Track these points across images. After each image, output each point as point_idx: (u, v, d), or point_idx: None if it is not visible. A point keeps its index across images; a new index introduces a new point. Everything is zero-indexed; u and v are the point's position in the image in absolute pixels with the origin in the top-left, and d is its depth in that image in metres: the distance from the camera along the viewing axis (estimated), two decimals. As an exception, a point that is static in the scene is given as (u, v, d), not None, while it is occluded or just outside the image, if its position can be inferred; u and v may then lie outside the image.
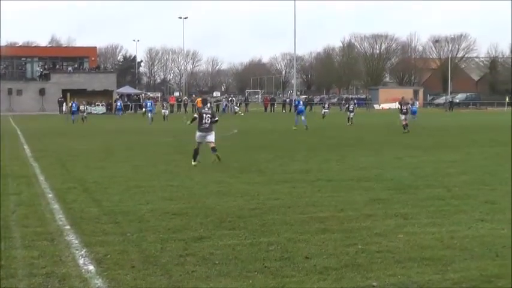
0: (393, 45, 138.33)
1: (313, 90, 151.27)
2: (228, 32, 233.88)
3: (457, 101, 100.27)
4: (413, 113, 46.36)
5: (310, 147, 25.61)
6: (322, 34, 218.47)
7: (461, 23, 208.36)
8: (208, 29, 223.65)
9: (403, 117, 36.95)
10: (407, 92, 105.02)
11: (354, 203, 12.49)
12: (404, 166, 18.90)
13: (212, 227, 10.19)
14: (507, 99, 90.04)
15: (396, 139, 31.04)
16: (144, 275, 7.65)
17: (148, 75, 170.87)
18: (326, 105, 62.12)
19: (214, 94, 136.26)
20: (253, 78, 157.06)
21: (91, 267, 7.97)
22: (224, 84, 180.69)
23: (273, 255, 8.56)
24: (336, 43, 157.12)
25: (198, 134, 19.64)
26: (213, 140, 19.58)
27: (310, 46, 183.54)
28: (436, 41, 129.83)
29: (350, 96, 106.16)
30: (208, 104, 21.25)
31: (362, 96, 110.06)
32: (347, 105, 52.53)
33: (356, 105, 55.28)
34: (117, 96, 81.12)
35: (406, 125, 36.33)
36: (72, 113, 53.09)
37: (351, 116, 46.54)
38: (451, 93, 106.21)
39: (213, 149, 19.36)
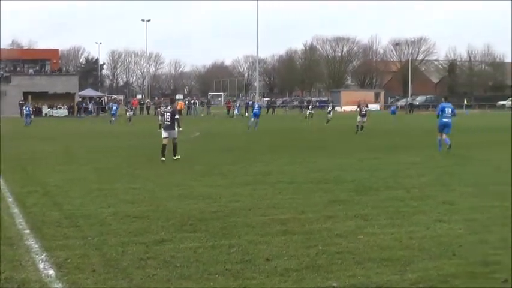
0: (355, 48, 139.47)
1: (276, 92, 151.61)
2: (191, 35, 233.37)
3: (417, 103, 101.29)
4: (393, 113, 47.08)
5: (272, 150, 25.67)
6: (285, 37, 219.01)
7: (421, 26, 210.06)
8: (171, 32, 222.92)
9: (359, 119, 38.10)
10: (368, 95, 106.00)
11: (315, 204, 12.54)
12: (364, 168, 19.02)
13: (173, 230, 10.16)
14: (465, 101, 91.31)
15: (357, 141, 31.27)
16: (105, 279, 7.60)
17: (110, 77, 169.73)
18: (310, 107, 62.75)
19: (177, 97, 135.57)
20: (216, 80, 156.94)
21: (51, 272, 7.89)
22: (187, 87, 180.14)
23: (234, 257, 8.56)
24: (298, 46, 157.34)
25: (162, 132, 21.22)
26: (175, 136, 21.25)
27: (273, 49, 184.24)
28: (397, 44, 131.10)
29: (310, 98, 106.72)
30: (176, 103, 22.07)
31: (324, 99, 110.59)
32: (329, 108, 55.15)
33: (331, 108, 55.40)
34: (85, 99, 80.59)
35: (362, 127, 37.41)
36: (26, 116, 52.84)
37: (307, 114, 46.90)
38: (411, 95, 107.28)
39: (175, 147, 21.10)
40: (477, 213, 11.56)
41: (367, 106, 41.16)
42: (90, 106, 63.61)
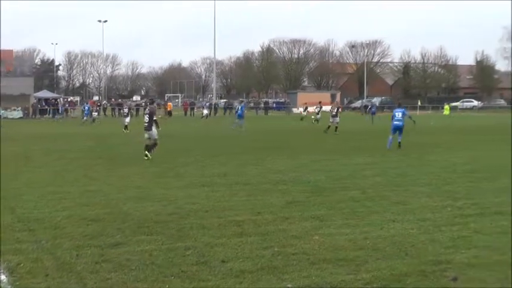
0: (311, 50, 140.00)
1: (233, 94, 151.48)
2: (148, 36, 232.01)
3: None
4: (373, 113, 47.67)
5: (229, 151, 25.62)
6: (242, 39, 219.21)
7: (377, 29, 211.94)
8: (128, 33, 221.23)
9: (331, 119, 39.23)
10: (325, 96, 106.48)
11: (271, 206, 12.55)
12: (321, 169, 19.09)
13: (129, 233, 10.06)
14: (419, 102, 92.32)
15: (314, 142, 31.39)
16: (58, 283, 7.49)
17: (66, 79, 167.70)
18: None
19: (134, 98, 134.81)
20: (173, 82, 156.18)
21: (3, 277, 7.75)
22: (144, 88, 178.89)
23: (189, 259, 8.52)
24: (256, 48, 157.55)
25: (144, 133, 22.20)
26: (154, 137, 21.96)
27: (230, 50, 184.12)
28: (353, 46, 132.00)
29: (267, 99, 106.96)
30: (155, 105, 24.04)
31: (281, 100, 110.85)
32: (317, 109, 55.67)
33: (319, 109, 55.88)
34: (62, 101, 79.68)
35: (336, 128, 38.40)
36: None
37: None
38: (367, 97, 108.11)
39: (152, 147, 21.85)
40: (429, 213, 11.71)
41: (339, 107, 42.37)
42: (61, 108, 62.96)
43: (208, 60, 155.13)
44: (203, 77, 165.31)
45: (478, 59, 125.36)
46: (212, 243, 9.38)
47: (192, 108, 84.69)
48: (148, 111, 22.57)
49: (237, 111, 48.02)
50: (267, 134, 39.60)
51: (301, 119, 60.22)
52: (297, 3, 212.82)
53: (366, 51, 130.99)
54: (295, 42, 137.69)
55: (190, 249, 9.04)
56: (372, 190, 14.51)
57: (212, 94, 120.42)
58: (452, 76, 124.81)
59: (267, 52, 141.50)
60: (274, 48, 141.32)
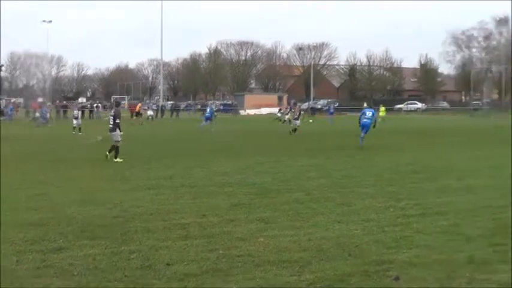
0: (259, 52, 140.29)
1: (180, 96, 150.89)
2: (94, 37, 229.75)
3: (319, 106, 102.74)
4: (331, 114, 48.07)
5: (176, 154, 25.49)
6: (189, 40, 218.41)
7: (323, 31, 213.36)
8: (74, 34, 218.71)
9: (293, 121, 40.81)
10: (272, 98, 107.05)
11: (217, 208, 12.53)
12: (266, 171, 19.14)
13: (72, 237, 9.92)
14: (365, 104, 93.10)
15: (260, 144, 31.46)
16: (-2, 289, 7.37)
17: (9, 80, 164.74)
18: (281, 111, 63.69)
19: (80, 100, 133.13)
20: (120, 84, 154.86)
21: None
22: (90, 90, 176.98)
23: (134, 263, 8.46)
24: (203, 49, 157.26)
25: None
26: (117, 139, 22.18)
27: (177, 52, 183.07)
28: (300, 49, 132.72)
29: (214, 101, 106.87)
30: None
31: (228, 102, 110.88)
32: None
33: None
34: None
35: (295, 129, 39.58)
36: None
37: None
38: (313, 99, 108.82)
39: (112, 149, 22.05)
40: (373, 213, 11.85)
41: (301, 110, 43.97)
42: (45, 110, 62.02)
43: (155, 62, 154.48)
44: (150, 78, 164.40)
45: (422, 62, 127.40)
46: (157, 247, 9.33)
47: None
48: (112, 114, 22.86)
49: (206, 113, 48.78)
50: (214, 136, 39.52)
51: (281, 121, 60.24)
52: (244, 4, 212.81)
53: (313, 53, 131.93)
54: (242, 44, 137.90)
55: (135, 252, 8.98)
56: (317, 192, 14.60)
57: (159, 96, 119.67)
58: (397, 78, 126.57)
59: (214, 54, 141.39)
60: (222, 50, 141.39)
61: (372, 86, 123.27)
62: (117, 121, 22.58)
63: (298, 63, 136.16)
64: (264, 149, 27.85)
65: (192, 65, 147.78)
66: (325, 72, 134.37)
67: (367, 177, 17.49)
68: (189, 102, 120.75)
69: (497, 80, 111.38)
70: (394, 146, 29.46)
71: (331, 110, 66.79)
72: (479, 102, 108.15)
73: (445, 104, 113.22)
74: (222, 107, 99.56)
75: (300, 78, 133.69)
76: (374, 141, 31.82)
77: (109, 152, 22.21)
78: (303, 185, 15.88)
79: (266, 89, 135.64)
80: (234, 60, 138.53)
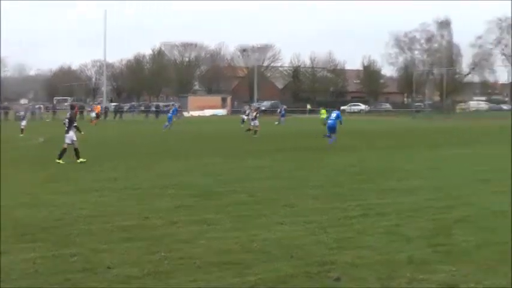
0: (202, 53, 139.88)
1: (124, 97, 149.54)
2: (37, 38, 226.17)
3: (263, 108, 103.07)
4: (282, 115, 48.57)
5: (120, 156, 25.29)
6: (133, 42, 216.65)
7: (267, 33, 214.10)
8: (15, 35, 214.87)
9: (252, 123, 41.90)
10: (216, 100, 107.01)
11: (160, 210, 12.48)
12: (210, 172, 19.15)
13: (13, 241, 9.76)
14: (308, 106, 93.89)
15: (205, 146, 31.43)
16: None
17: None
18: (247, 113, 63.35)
19: (22, 101, 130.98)
20: (63, 85, 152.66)
21: None
22: (32, 91, 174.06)
23: (75, 266, 8.36)
24: (147, 51, 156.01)
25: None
26: (68, 142, 22.41)
27: (121, 53, 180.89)
28: (244, 50, 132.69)
29: (158, 103, 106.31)
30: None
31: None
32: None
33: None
34: None
35: (256, 131, 40.21)
36: None
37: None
38: (257, 100, 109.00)
39: (75, 151, 22.32)
40: (316, 215, 11.92)
41: (258, 111, 44.73)
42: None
43: (98, 63, 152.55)
44: (93, 79, 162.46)
45: (365, 64, 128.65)
46: (99, 249, 9.24)
47: (82, 112, 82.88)
48: (68, 116, 23.15)
49: (168, 114, 52.33)
50: (160, 138, 39.31)
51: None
52: (188, 5, 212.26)
53: (257, 55, 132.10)
54: (186, 46, 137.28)
55: (76, 255, 8.87)
56: (261, 193, 14.66)
57: (102, 97, 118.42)
58: (340, 80, 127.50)
59: (158, 55, 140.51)
60: (166, 51, 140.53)
61: (315, 88, 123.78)
62: (75, 124, 22.94)
63: (242, 65, 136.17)
64: (210, 151, 27.82)
65: (135, 66, 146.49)
66: (269, 74, 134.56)
67: (311, 178, 17.63)
68: (133, 103, 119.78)
69: (438, 82, 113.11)
70: (339, 148, 29.69)
71: (283, 112, 67.53)
72: (421, 104, 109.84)
73: (387, 106, 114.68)
74: (166, 109, 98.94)
75: (243, 80, 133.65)
76: (318, 142, 32.12)
77: (78, 159, 22.27)
78: (247, 186, 15.91)
79: (210, 90, 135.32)
80: (177, 62, 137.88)
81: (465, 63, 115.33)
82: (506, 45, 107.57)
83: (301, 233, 10.31)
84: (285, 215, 11.96)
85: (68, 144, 22.51)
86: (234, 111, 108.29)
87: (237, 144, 32.28)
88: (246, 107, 64.11)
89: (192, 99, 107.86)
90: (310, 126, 55.13)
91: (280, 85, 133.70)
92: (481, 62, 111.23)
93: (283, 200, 13.75)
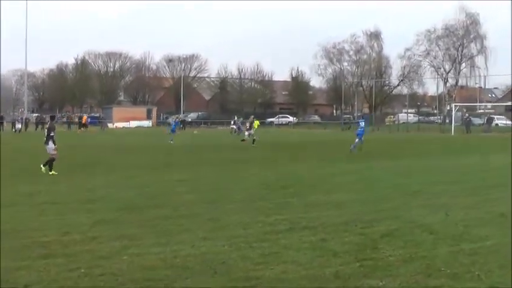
0: (127, 63, 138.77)
1: (46, 108, 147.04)
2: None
3: (189, 119, 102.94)
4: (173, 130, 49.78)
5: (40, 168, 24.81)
6: (55, 50, 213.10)
7: (194, 43, 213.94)
8: None
9: (246, 133, 46.14)
10: (141, 111, 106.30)
11: (80, 225, 12.28)
12: (133, 186, 18.98)
13: None
14: (235, 118, 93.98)
15: (128, 158, 31.15)
16: None
17: None
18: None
19: None
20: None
21: None
22: None
23: (-12, 286, 8.15)
24: (70, 60, 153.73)
25: None
26: (49, 152, 23.01)
27: (43, 62, 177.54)
28: (170, 60, 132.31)
29: (81, 114, 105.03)
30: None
31: (96, 115, 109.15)
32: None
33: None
34: None
35: (254, 140, 44.22)
36: None
37: None
38: (183, 112, 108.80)
39: (47, 162, 22.86)
40: (241, 229, 11.93)
41: (253, 121, 48.40)
42: None
43: (19, 73, 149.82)
44: (14, 89, 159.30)
45: (294, 75, 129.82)
46: (15, 267, 9.01)
47: (1, 123, 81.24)
48: (47, 127, 23.80)
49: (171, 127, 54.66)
50: (83, 149, 38.79)
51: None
52: (113, 14, 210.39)
53: (183, 65, 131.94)
54: (110, 55, 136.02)
55: (-10, 274, 8.65)
56: (185, 207, 14.59)
57: (23, 108, 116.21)
58: (268, 91, 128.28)
59: (82, 65, 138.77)
60: (89, 60, 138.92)
61: (243, 99, 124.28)
62: (51, 134, 23.32)
63: (168, 75, 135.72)
64: (134, 163, 27.57)
65: (58, 76, 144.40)
66: (195, 85, 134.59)
67: (236, 191, 17.64)
68: (56, 114, 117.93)
69: (367, 94, 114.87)
70: (265, 160, 29.85)
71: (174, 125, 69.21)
72: (350, 116, 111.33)
73: (316, 118, 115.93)
74: (89, 120, 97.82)
75: (169, 91, 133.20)
76: (245, 155, 32.23)
77: (43, 166, 22.89)
78: (170, 200, 15.82)
79: (135, 101, 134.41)
80: (102, 72, 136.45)
81: (394, 75, 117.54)
82: (435, 57, 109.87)
83: (225, 248, 10.29)
84: (209, 229, 11.91)
85: (53, 154, 23.10)
86: (160, 123, 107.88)
87: (161, 157, 32.10)
88: (235, 118, 65.30)
89: (116, 111, 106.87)
90: (236, 138, 55.23)
91: (207, 96, 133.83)
92: (410, 73, 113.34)
93: (207, 214, 13.71)
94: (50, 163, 22.93)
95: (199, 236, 11.30)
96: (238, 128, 51.44)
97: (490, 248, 10.46)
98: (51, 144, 23.21)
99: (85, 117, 74.50)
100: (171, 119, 61.27)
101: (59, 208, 14.51)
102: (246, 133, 46.49)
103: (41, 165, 22.98)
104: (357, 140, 37.18)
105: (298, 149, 41.61)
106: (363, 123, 39.80)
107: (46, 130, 23.78)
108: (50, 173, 22.49)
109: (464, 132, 71.81)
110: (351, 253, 10.04)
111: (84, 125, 70.47)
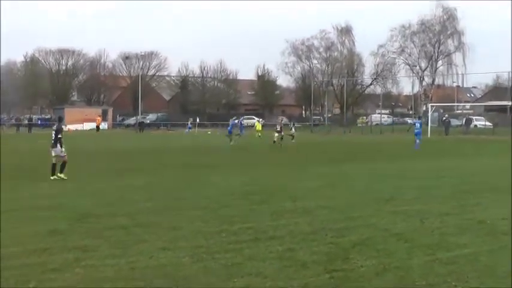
0: (81, 61, 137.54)
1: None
2: None
3: (148, 121, 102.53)
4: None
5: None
6: (3, 47, 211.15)
7: (153, 40, 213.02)
8: None
9: (276, 135, 50.31)
10: (96, 112, 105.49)
11: (31, 236, 12.21)
12: (88, 193, 18.89)
13: None
14: (198, 120, 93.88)
15: (82, 164, 30.93)
16: None
17: None
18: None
19: None
20: None
21: None
22: None
23: None
24: (18, 57, 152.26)
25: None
26: (56, 154, 23.19)
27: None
28: (127, 58, 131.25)
29: (31, 115, 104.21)
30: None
31: (47, 117, 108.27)
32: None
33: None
34: None
35: (282, 137, 50.01)
36: None
37: None
38: (141, 113, 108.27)
39: (62, 166, 23.20)
40: (203, 239, 11.94)
41: (282, 122, 54.11)
42: None
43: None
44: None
45: (260, 74, 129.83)
46: (-42, 282, 8.98)
47: None
48: (55, 129, 23.87)
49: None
50: (35, 154, 38.45)
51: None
52: (65, 8, 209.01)
53: (141, 63, 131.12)
54: (62, 52, 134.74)
55: None
56: (143, 215, 14.57)
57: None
58: (233, 91, 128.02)
59: (31, 63, 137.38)
60: (40, 58, 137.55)
61: (206, 99, 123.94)
62: (60, 136, 23.50)
63: (125, 74, 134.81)
64: (88, 169, 27.37)
65: (6, 74, 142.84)
66: (154, 84, 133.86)
67: (198, 198, 17.64)
68: (3, 116, 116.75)
69: (338, 93, 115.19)
70: (230, 165, 29.87)
71: (190, 125, 71.13)
72: (320, 117, 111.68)
73: (284, 120, 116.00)
74: (39, 122, 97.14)
75: (127, 90, 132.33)
76: (208, 159, 32.22)
77: (61, 172, 23.08)
78: (127, 208, 15.77)
79: (90, 101, 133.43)
80: (53, 70, 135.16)
81: (367, 73, 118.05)
82: (410, 54, 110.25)
83: (186, 260, 10.30)
84: (169, 239, 11.91)
85: (60, 157, 23.29)
86: (116, 125, 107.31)
87: (119, 162, 31.96)
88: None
89: (69, 112, 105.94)
90: (198, 141, 55.24)
91: (167, 96, 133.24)
92: (384, 72, 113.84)
93: (166, 222, 13.71)
94: (53, 167, 23.20)
95: (158, 246, 11.30)
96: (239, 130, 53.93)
97: (468, 256, 10.61)
98: (58, 147, 23.38)
99: (99, 119, 74.55)
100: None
101: (7, 217, 14.34)
102: (276, 135, 50.43)
103: (57, 174, 23.04)
104: (417, 140, 44.79)
105: (265, 153, 41.67)
106: (419, 124, 47.49)
107: (54, 132, 23.80)
108: (53, 177, 22.84)
109: (443, 134, 72.50)
110: (320, 264, 10.10)
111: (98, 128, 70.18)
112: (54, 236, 12.28)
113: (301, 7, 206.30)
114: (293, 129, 62.15)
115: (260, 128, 67.69)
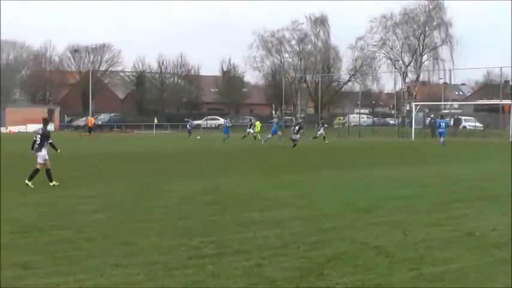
0: (24, 54, 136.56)
1: None
2: None
3: (100, 122, 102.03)
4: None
5: None
6: None
7: (105, 31, 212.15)
8: None
9: (293, 136, 52.31)
10: (41, 112, 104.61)
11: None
12: (30, 203, 18.77)
13: None
14: (155, 120, 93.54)
15: (24, 171, 30.68)
16: None
17: None
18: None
19: None
20: None
21: None
22: None
23: None
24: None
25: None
26: (41, 162, 23.50)
27: None
28: (76, 51, 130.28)
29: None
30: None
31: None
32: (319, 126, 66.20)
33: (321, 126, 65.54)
34: None
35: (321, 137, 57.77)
36: None
37: None
38: (92, 114, 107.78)
39: (46, 172, 23.51)
40: (159, 254, 11.90)
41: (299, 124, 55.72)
42: None
43: None
44: None
45: (225, 69, 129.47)
46: None
47: None
48: (40, 132, 24.12)
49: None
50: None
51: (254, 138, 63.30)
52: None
53: (92, 57, 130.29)
54: (2, 44, 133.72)
55: None
56: (91, 228, 14.51)
57: None
58: (195, 89, 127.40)
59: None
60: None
61: (165, 98, 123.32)
62: (51, 141, 24.28)
63: (73, 69, 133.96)
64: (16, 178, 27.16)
65: None
66: (107, 80, 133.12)
67: (154, 209, 17.61)
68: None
69: (312, 91, 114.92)
70: (190, 171, 29.80)
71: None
72: (292, 117, 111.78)
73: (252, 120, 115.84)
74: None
75: (76, 88, 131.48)
76: (165, 165, 32.11)
77: (50, 181, 23.40)
78: (74, 220, 15.70)
79: (34, 100, 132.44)
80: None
81: (344, 68, 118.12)
82: (392, 48, 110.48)
83: (141, 277, 10.28)
84: (122, 255, 11.87)
85: (41, 164, 23.45)
86: (64, 126, 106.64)
87: (64, 169, 31.73)
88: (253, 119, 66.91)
89: (10, 112, 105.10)
90: (158, 144, 55.10)
91: (121, 94, 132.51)
92: (363, 67, 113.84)
93: (118, 236, 13.67)
94: (48, 174, 23.52)
95: (110, 262, 11.25)
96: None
97: (455, 272, 10.68)
98: (44, 152, 23.62)
99: (92, 119, 73.87)
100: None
101: None
102: (293, 137, 52.29)
103: (50, 184, 23.29)
104: (442, 139, 50.82)
105: (229, 157, 41.62)
106: (444, 123, 52.92)
107: (39, 136, 23.93)
108: (27, 182, 23.08)
109: (429, 136, 72.75)
110: (291, 281, 10.13)
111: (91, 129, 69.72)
112: (-10, 251, 12.19)
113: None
114: (321, 130, 64.55)
115: (259, 129, 67.36)
